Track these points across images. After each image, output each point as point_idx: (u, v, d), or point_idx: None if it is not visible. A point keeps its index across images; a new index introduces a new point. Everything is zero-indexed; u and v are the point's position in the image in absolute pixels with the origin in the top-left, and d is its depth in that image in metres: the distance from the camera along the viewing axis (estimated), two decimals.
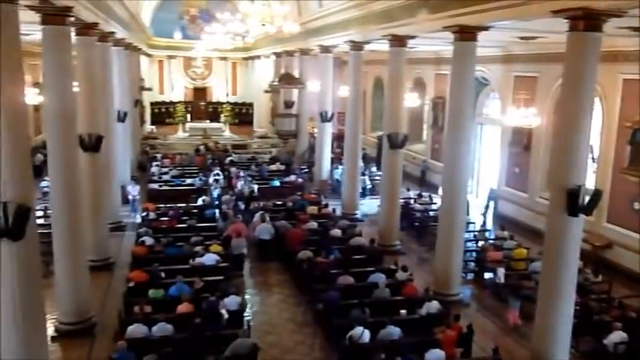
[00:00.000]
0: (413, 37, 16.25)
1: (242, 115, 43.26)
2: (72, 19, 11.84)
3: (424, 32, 15.26)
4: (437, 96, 25.88)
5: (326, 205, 20.72)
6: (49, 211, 15.56)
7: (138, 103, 29.90)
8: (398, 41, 16.53)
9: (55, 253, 11.98)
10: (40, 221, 14.02)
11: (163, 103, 43.12)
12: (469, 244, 16.79)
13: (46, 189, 19.14)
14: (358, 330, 10.60)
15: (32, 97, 22.39)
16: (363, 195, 23.66)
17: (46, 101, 11.86)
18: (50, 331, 11.22)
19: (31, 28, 11.50)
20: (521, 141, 20.02)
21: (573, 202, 9.74)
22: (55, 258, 12.08)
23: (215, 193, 22.25)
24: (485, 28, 12.54)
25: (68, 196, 11.71)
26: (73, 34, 13.03)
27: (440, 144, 25.20)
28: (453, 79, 13.64)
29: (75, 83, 12.69)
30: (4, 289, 7.89)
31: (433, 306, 11.91)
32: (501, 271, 14.28)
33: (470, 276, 15.78)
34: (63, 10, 11.18)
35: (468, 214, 17.41)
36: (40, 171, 21.34)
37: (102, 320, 12.54)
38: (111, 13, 18.23)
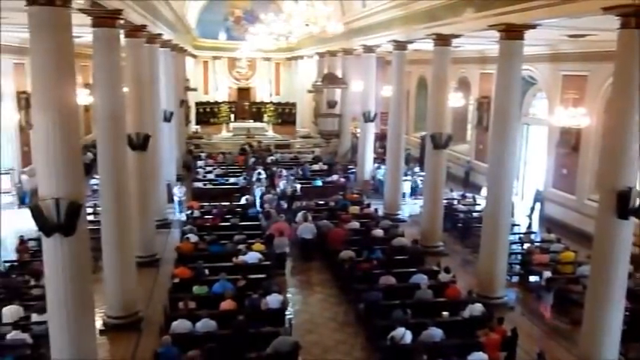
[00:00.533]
0: (457, 36, 16.05)
1: (285, 114, 43.56)
2: (121, 21, 12.19)
3: (469, 31, 15.05)
4: (482, 96, 25.51)
5: (368, 205, 20.69)
6: (98, 208, 16.07)
7: (183, 103, 30.46)
8: (442, 40, 16.36)
9: (104, 249, 12.35)
10: (90, 218, 14.42)
11: (208, 103, 43.79)
12: (514, 246, 16.48)
13: (95, 187, 19.76)
14: (400, 331, 10.55)
15: (83, 97, 23.12)
16: (414, 193, 23.55)
17: (97, 101, 12.22)
18: (98, 324, 11.54)
19: (81, 31, 11.85)
20: (569, 142, 19.52)
21: (623, 205, 9.45)
22: (103, 254, 12.46)
23: (258, 192, 22.48)
24: (533, 27, 12.28)
25: (117, 194, 12.05)
26: (122, 36, 13.37)
27: (484, 144, 24.78)
28: (499, 78, 13.41)
29: (123, 84, 13.02)
30: (56, 282, 8.17)
31: (476, 308, 11.74)
32: (546, 273, 13.96)
33: (515, 279, 15.48)
34: (113, 12, 11.50)
35: (513, 216, 17.09)
36: (89, 169, 22.00)
37: (148, 315, 12.84)
38: (158, 15, 18.65)
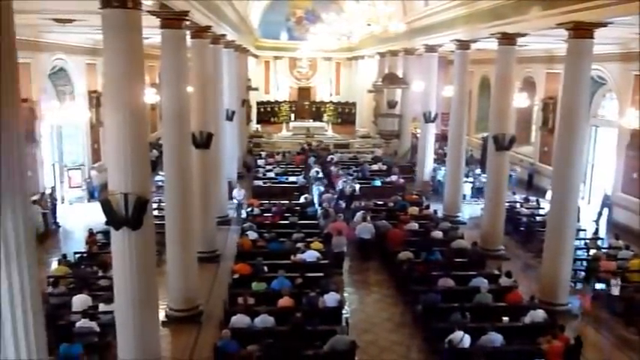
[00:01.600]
0: (523, 35, 15.65)
1: (345, 114, 43.59)
2: (187, 22, 12.52)
3: (535, 30, 14.65)
4: (547, 96, 24.77)
5: (427, 207, 20.47)
6: (162, 204, 16.57)
7: (245, 102, 30.99)
8: (507, 39, 15.98)
9: (167, 243, 12.74)
10: (154, 213, 14.91)
11: (268, 102, 44.34)
12: (579, 252, 15.95)
13: (159, 183, 20.37)
14: (458, 334, 10.39)
15: (149, 96, 23.87)
16: (475, 195, 23.16)
17: (163, 100, 12.62)
18: (161, 316, 11.91)
19: (149, 32, 12.26)
20: None
21: None
22: (167, 248, 12.85)
23: (316, 191, 22.62)
24: (603, 25, 11.83)
25: (181, 190, 12.41)
26: (187, 37, 13.74)
27: (549, 146, 24.05)
28: (567, 78, 12.99)
29: (189, 83, 13.38)
30: (123, 274, 8.49)
31: (538, 315, 11.43)
32: (616, 282, 13.42)
33: (579, 286, 14.97)
34: (180, 14, 11.84)
35: (578, 221, 16.52)
36: (154, 166, 22.69)
37: (208, 309, 13.16)
38: (222, 16, 19.05)
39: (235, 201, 20.97)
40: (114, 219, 8.17)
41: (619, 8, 10.65)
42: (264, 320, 10.96)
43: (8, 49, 4.47)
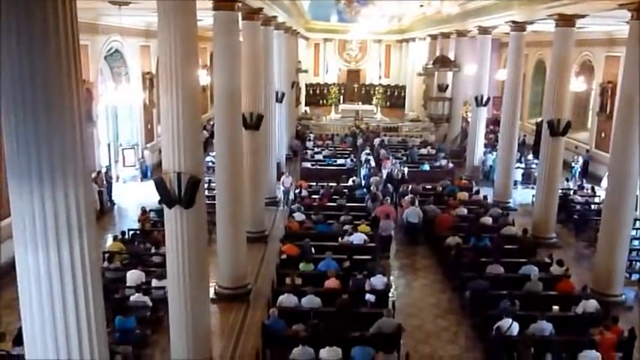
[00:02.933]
0: (582, 17, 15.10)
1: (394, 97, 43.10)
2: (240, 4, 12.58)
3: (596, 11, 14.13)
4: (606, 80, 23.89)
5: (477, 192, 20.17)
6: (212, 184, 16.88)
7: (294, 84, 31.04)
8: (565, 21, 15.45)
9: (218, 222, 12.99)
10: (205, 193, 15.20)
11: (318, 84, 44.23)
12: (635, 242, 15.44)
13: (210, 163, 20.72)
14: (507, 322, 10.26)
15: (201, 78, 24.16)
16: (529, 181, 22.68)
17: (215, 82, 12.78)
18: (210, 293, 12.18)
19: (202, 14, 12.39)
20: None
21: None
22: (217, 227, 13.11)
23: (364, 174, 22.57)
24: None
25: (231, 171, 12.61)
26: (239, 18, 13.82)
27: (607, 133, 23.25)
28: (628, 61, 12.46)
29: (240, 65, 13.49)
30: (175, 251, 8.71)
31: (591, 305, 11.15)
32: None
33: (635, 277, 14.52)
34: None
35: (636, 210, 15.95)
36: (205, 147, 23.03)
37: (256, 288, 13.42)
38: None
39: (283, 187, 20.79)
40: (167, 198, 8.38)
41: None
42: (311, 301, 11.08)
43: (72, 32, 4.61)
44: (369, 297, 11.75)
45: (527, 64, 29.61)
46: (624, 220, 12.80)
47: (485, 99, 23.44)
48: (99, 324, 5.13)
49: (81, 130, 4.79)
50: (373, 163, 24.04)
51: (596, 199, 19.29)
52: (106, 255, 13.15)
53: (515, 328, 10.26)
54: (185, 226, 8.58)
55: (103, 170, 20.12)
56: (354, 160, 25.28)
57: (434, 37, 32.36)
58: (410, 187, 19.62)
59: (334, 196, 18.97)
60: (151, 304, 11.27)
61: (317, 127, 34.89)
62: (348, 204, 17.83)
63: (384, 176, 21.98)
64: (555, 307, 11.54)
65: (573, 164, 19.50)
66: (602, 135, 24.22)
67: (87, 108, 18.37)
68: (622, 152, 12.59)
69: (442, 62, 29.35)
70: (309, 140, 29.71)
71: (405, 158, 25.69)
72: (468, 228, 15.87)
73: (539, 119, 24.74)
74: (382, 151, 26.03)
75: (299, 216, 16.26)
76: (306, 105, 41.67)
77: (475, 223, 16.36)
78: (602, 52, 24.55)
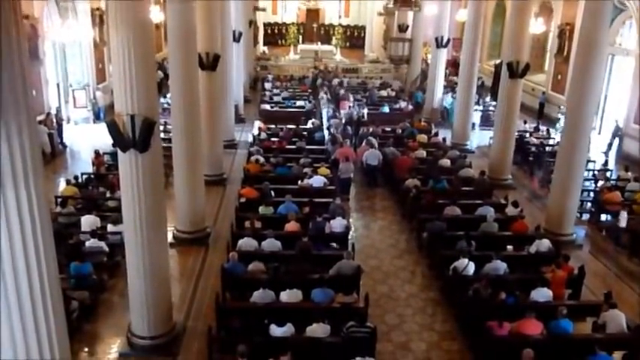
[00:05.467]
0: None
1: (354, 38, 42.41)
2: None
3: None
4: (564, 22, 23.95)
5: (436, 134, 20.28)
6: (168, 127, 16.42)
7: (252, 23, 30.15)
8: None
9: (175, 166, 12.69)
10: (160, 135, 14.80)
11: (276, 24, 43.09)
12: (587, 183, 15.87)
13: (165, 105, 20.13)
14: (463, 262, 10.50)
15: (154, 15, 23.19)
16: (487, 123, 22.93)
17: (169, 19, 12.22)
18: (169, 238, 12.01)
19: None
20: None
21: None
22: (174, 171, 12.82)
23: (324, 115, 22.35)
24: None
25: (188, 113, 12.23)
26: None
27: (563, 75, 23.55)
28: (587, 3, 12.42)
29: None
30: (131, 196, 8.45)
31: (543, 244, 11.50)
32: (623, 214, 13.40)
33: (585, 217, 15.01)
34: None
35: (588, 152, 16.34)
36: (160, 88, 22.36)
37: (215, 231, 13.32)
38: None
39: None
40: (121, 141, 8.04)
41: None
42: (271, 244, 11.07)
43: None
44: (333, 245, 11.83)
45: (487, 5, 29.35)
46: (578, 162, 13.04)
47: (445, 40, 23.28)
48: (50, 269, 4.95)
49: (22, 68, 4.45)
50: (332, 104, 23.82)
51: (551, 141, 19.66)
52: (59, 200, 12.77)
53: (471, 267, 10.51)
54: (140, 170, 8.29)
55: (53, 112, 19.35)
56: (313, 101, 24.98)
57: None
58: (370, 129, 19.54)
59: (294, 139, 18.78)
60: (107, 249, 11.07)
61: (275, 67, 34.22)
62: (307, 146, 17.69)
63: (344, 118, 21.83)
64: (510, 247, 11.88)
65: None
66: (559, 77, 24.50)
67: (32, 45, 17.59)
68: (578, 95, 12.69)
69: (403, 2, 28.88)
70: (268, 81, 29.14)
71: (364, 100, 25.52)
72: (427, 170, 16.01)
73: (498, 61, 24.80)
74: (341, 92, 25.77)
75: (259, 159, 16.06)
76: (264, 45, 40.72)
77: (434, 165, 16.51)
78: None
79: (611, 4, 12.61)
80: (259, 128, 19.67)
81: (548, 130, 20.86)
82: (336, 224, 12.13)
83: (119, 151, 8.30)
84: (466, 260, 10.51)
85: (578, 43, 12.94)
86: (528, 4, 16.31)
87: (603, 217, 14.64)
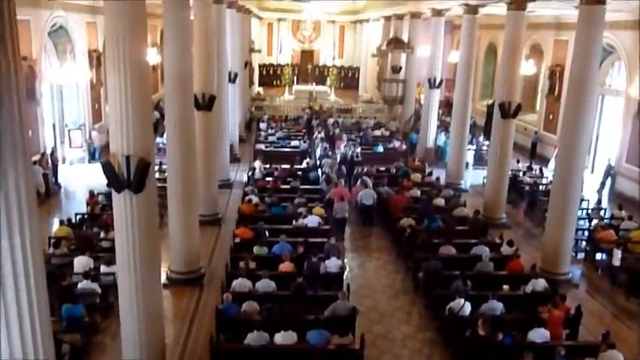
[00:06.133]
0: (534, 0, 15.29)
1: (348, 78, 43.12)
2: None
3: None
4: (555, 64, 24.41)
5: (430, 173, 20.38)
6: (164, 166, 16.48)
7: (247, 64, 30.59)
8: (517, 4, 15.62)
9: (169, 206, 12.69)
10: (156, 175, 14.82)
11: (271, 65, 43.81)
12: (581, 222, 15.91)
13: (161, 145, 20.22)
14: (459, 302, 10.42)
15: (151, 57, 23.51)
16: (480, 163, 23.01)
17: (166, 61, 12.36)
18: (162, 278, 11.92)
19: None
20: None
21: None
22: (168, 211, 12.81)
23: (319, 154, 22.47)
24: None
25: (183, 153, 12.29)
26: None
27: (555, 115, 23.85)
28: (577, 46, 12.68)
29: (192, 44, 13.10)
30: (125, 236, 8.41)
31: (539, 284, 11.45)
32: (617, 252, 13.40)
33: (580, 255, 14.99)
34: None
35: (581, 190, 16.44)
36: (155, 128, 22.52)
37: (209, 272, 13.20)
38: None
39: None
40: (115, 182, 8.05)
41: None
42: (266, 284, 10.98)
43: (7, 3, 4.30)
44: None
45: (479, 47, 29.93)
46: (571, 201, 13.10)
47: (438, 81, 23.64)
48: (42, 312, 4.89)
49: (19, 109, 4.50)
50: (327, 144, 23.98)
51: (544, 180, 19.78)
52: (52, 240, 12.69)
53: (468, 308, 10.43)
54: (135, 210, 8.26)
55: (48, 152, 19.39)
56: (308, 141, 25.17)
57: (388, 19, 32.38)
58: (364, 169, 19.64)
59: (288, 178, 18.83)
60: (99, 290, 10.94)
61: (270, 108, 34.55)
62: (302, 186, 17.73)
63: (338, 158, 21.94)
64: (506, 287, 11.79)
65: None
66: (550, 117, 24.82)
67: (30, 86, 17.76)
68: (570, 134, 12.85)
69: (396, 44, 29.40)
70: (263, 121, 29.39)
71: (359, 140, 25.71)
72: (421, 209, 16.02)
73: (490, 101, 25.14)
74: (336, 132, 25.98)
75: (254, 198, 16.07)
76: (259, 85, 41.24)
77: (428, 204, 16.53)
78: (551, 35, 25.04)
79: (600, 47, 12.86)
80: (256, 168, 19.68)
81: (541, 169, 21.00)
82: (331, 264, 12.06)
83: (113, 192, 8.29)
84: (462, 300, 10.44)
85: (569, 84, 13.16)
86: (519, 46, 16.65)
87: (598, 255, 14.62)
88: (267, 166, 20.23)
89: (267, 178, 18.75)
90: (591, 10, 12.17)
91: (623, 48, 20.08)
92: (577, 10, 12.62)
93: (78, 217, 14.91)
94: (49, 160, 18.91)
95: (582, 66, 12.48)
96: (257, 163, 19.97)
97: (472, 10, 19.09)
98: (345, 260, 13.99)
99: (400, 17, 29.73)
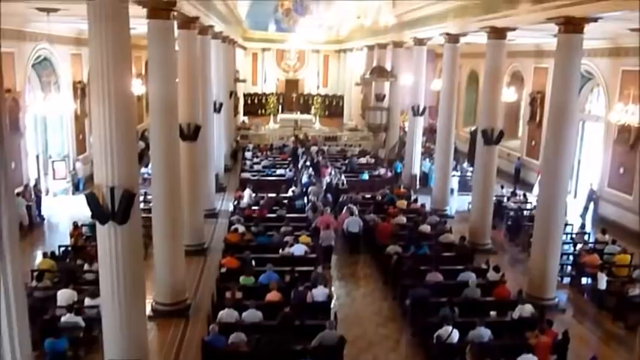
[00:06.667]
0: (513, 29, 15.63)
1: (332, 107, 43.50)
2: (175, 13, 12.28)
3: (526, 24, 14.63)
4: (535, 90, 24.84)
5: (415, 200, 20.46)
6: (148, 197, 16.39)
7: (232, 94, 30.75)
8: (497, 33, 15.95)
9: (154, 237, 12.59)
10: (140, 206, 14.73)
11: (256, 94, 44.09)
12: (566, 246, 16.02)
13: (146, 175, 20.15)
14: (447, 329, 10.38)
15: (136, 87, 23.56)
16: (465, 188, 23.18)
17: (151, 92, 12.40)
18: (147, 310, 11.76)
19: (136, 22, 12.03)
20: (627, 139, 18.81)
21: None
22: (153, 241, 12.71)
23: (304, 183, 22.50)
24: (594, 20, 11.83)
25: (168, 183, 12.26)
26: (175, 27, 13.50)
27: (537, 140, 24.18)
28: (556, 73, 12.95)
29: (176, 75, 13.17)
30: (109, 268, 8.33)
31: (526, 309, 11.45)
32: (603, 276, 13.47)
33: (566, 280, 15.05)
34: (167, 4, 11.65)
35: (565, 215, 16.58)
36: (140, 158, 22.41)
37: (195, 303, 13.06)
38: (211, 7, 18.82)
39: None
40: (99, 213, 8.00)
41: (609, 3, 10.63)
42: (253, 315, 10.87)
43: None
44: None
45: (461, 75, 30.41)
46: (555, 226, 13.22)
47: (421, 109, 23.91)
48: (23, 347, 4.80)
49: (1, 140, 4.49)
50: (312, 172, 24.05)
51: (528, 205, 19.94)
52: (35, 273, 12.50)
53: (455, 335, 10.38)
54: (119, 242, 8.21)
55: (32, 183, 19.23)
56: (294, 169, 25.23)
57: (371, 48, 32.80)
58: (350, 196, 19.68)
59: (274, 207, 18.80)
60: (83, 324, 10.73)
61: (256, 136, 34.65)
62: (288, 215, 17.70)
63: (324, 185, 21.97)
64: (493, 313, 11.77)
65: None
66: (533, 143, 25.14)
67: (13, 118, 17.68)
68: (553, 160, 13.03)
69: (379, 72, 29.75)
70: (248, 150, 29.45)
71: (344, 167, 25.82)
72: (408, 236, 16.04)
73: (473, 127, 25.43)
74: (321, 160, 26.09)
75: (240, 228, 16.01)
76: (244, 115, 41.41)
77: (414, 231, 16.56)
78: (531, 63, 25.54)
79: (578, 74, 13.15)
80: (245, 196, 19.61)
81: (525, 195, 21.18)
82: (318, 293, 11.99)
83: (98, 223, 8.23)
84: (450, 328, 10.39)
85: (549, 110, 13.40)
86: (500, 74, 16.95)
87: (584, 280, 14.70)
88: (253, 194, 20.17)
89: (253, 207, 18.69)
90: (569, 38, 12.46)
91: (602, 75, 20.52)
92: (555, 38, 12.91)
93: (61, 249, 14.73)
94: (33, 192, 18.75)
95: (562, 93, 12.74)
96: (247, 192, 19.91)
97: (453, 39, 19.43)
98: (332, 288, 13.92)
99: (383, 46, 30.15)
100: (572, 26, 12.15)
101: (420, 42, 23.44)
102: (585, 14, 11.67)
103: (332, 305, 12.41)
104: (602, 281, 13.39)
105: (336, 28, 29.16)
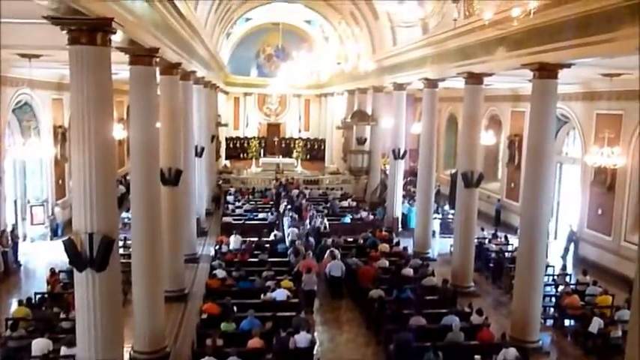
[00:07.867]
0: (490, 75, 16.02)
1: (314, 150, 43.75)
2: (157, 59, 12.40)
3: (501, 70, 15.00)
4: (513, 134, 25.28)
5: (397, 243, 20.44)
6: (128, 242, 16.17)
7: (214, 138, 30.83)
8: (474, 78, 16.33)
9: (134, 282, 12.35)
10: (120, 251, 14.51)
11: (238, 138, 44.26)
12: (548, 288, 16.03)
13: (126, 220, 19.93)
14: None
15: (117, 132, 23.56)
16: (446, 231, 23.21)
17: (132, 137, 12.39)
18: (125, 359, 11.46)
19: (118, 68, 12.12)
20: (604, 181, 19.12)
21: None
22: (133, 288, 12.46)
23: (286, 226, 22.42)
24: (567, 66, 12.18)
25: (149, 228, 12.11)
26: (157, 73, 13.61)
27: (516, 183, 24.47)
28: (532, 117, 13.23)
29: (158, 120, 13.20)
30: (86, 317, 8.16)
31: (511, 352, 11.34)
32: (596, 320, 13.29)
33: (549, 322, 15.02)
34: (150, 51, 11.75)
35: (546, 257, 16.66)
36: (120, 202, 22.22)
37: (175, 350, 12.78)
38: (193, 53, 19.04)
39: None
40: (77, 260, 7.89)
41: (580, 50, 10.96)
42: None
43: None
44: None
45: (440, 118, 30.94)
46: (537, 268, 13.27)
47: (402, 152, 24.17)
48: None
49: None
50: (295, 215, 24.01)
51: (510, 247, 20.02)
52: (9, 322, 12.16)
53: None
54: (97, 289, 8.07)
55: (9, 229, 18.90)
56: (276, 213, 25.17)
57: (351, 92, 33.31)
58: (332, 240, 19.61)
59: (256, 251, 18.65)
60: None
61: (238, 180, 34.62)
62: (270, 259, 17.55)
63: (306, 229, 21.90)
64: (477, 357, 11.64)
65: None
66: (512, 185, 25.44)
67: None
68: (532, 202, 13.18)
69: (360, 116, 30.12)
70: (230, 194, 29.38)
71: (326, 211, 25.81)
72: (390, 280, 15.96)
73: (453, 170, 25.70)
74: (303, 203, 26.08)
75: (220, 273, 15.81)
76: (226, 158, 41.47)
77: (396, 274, 16.49)
78: (508, 107, 26.08)
79: (554, 117, 13.44)
80: (221, 241, 19.43)
81: (506, 237, 21.30)
82: (301, 339, 11.79)
83: (75, 270, 8.10)
84: None
85: (527, 153, 13.63)
86: (478, 118, 17.27)
87: (567, 321, 14.68)
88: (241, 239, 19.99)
89: (235, 251, 18.52)
90: (544, 83, 12.79)
91: (577, 118, 21.00)
92: (531, 83, 13.24)
93: (38, 296, 14.37)
94: (9, 237, 18.42)
95: (538, 136, 12.99)
96: (233, 238, 19.61)
97: (432, 84, 19.84)
98: (315, 334, 13.69)
99: (363, 91, 30.64)
100: (546, 72, 12.49)
101: (399, 87, 23.89)
102: (559, 60, 12.01)
103: (315, 351, 12.21)
104: (595, 325, 13.19)
105: (316, 73, 29.56)
